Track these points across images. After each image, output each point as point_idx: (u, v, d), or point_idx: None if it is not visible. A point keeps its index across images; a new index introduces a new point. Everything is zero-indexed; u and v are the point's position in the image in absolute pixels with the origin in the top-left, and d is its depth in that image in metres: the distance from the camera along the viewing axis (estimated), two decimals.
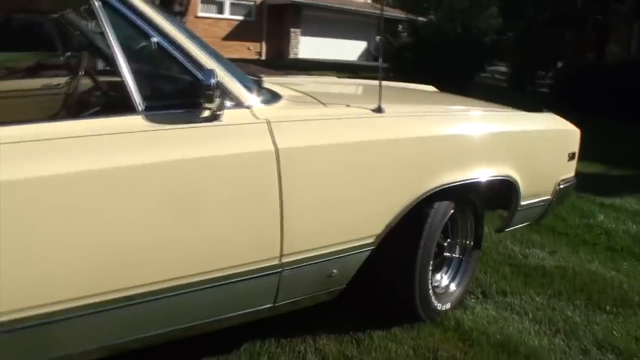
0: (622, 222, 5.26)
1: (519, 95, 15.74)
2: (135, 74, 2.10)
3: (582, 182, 3.78)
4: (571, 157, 3.54)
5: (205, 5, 22.73)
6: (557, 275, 3.81)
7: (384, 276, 2.86)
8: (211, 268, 2.20)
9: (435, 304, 3.02)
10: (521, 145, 3.24)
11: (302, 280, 2.49)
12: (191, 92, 2.15)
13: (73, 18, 3.59)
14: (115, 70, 2.31)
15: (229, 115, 2.21)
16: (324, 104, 2.65)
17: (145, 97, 2.09)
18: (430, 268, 2.91)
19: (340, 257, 2.53)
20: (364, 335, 2.88)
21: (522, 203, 3.23)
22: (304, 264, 2.43)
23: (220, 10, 23.45)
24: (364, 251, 2.61)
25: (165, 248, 2.09)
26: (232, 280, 2.25)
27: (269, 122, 2.29)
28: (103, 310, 1.99)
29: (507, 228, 3.40)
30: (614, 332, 3.14)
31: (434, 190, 2.71)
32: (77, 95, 3.19)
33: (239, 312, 2.42)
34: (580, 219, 5.23)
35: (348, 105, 2.69)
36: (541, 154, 3.37)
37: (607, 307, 3.42)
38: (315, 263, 2.46)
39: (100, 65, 3.92)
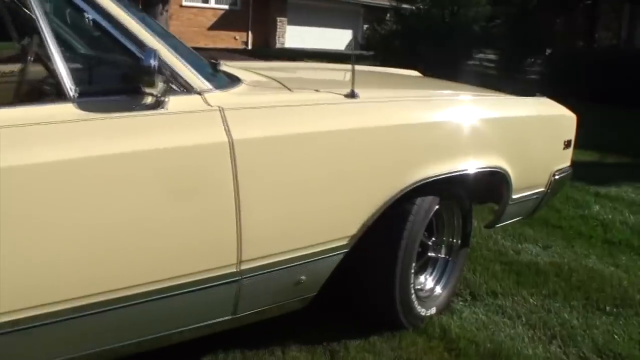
0: (619, 213, 5.01)
1: (508, 82, 15.51)
2: (66, 54, 1.84)
3: (575, 171, 3.56)
4: (567, 145, 3.28)
5: None
6: (552, 273, 3.56)
7: (361, 281, 2.61)
8: (158, 278, 1.92)
9: (419, 310, 2.76)
10: (512, 132, 2.97)
11: (266, 288, 2.21)
12: (131, 76, 1.88)
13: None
14: (44, 52, 2.01)
15: (175, 102, 1.94)
16: (289, 89, 2.37)
17: (78, 82, 1.81)
18: (413, 270, 2.65)
19: (308, 261, 2.25)
20: (339, 345, 2.62)
21: (514, 196, 2.98)
22: (267, 270, 2.14)
23: None
24: (336, 254, 2.33)
25: (105, 256, 1.81)
26: (182, 291, 1.98)
27: (222, 109, 2.00)
28: (39, 326, 1.73)
29: (497, 223, 3.14)
30: (615, 336, 2.89)
31: (416, 184, 2.44)
32: (26, 83, 2.88)
33: (194, 326, 2.15)
34: (574, 210, 4.99)
35: (317, 91, 2.39)
36: (534, 142, 3.10)
37: (607, 308, 3.16)
38: (280, 269, 2.18)
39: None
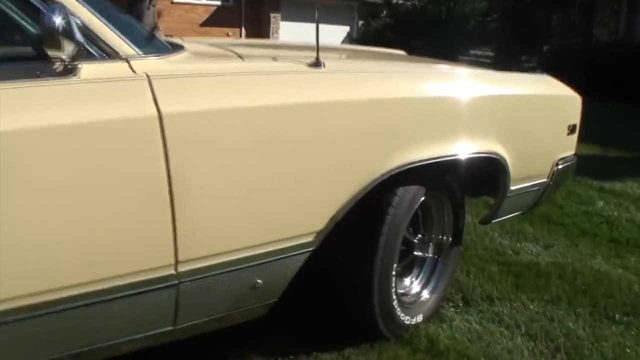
0: (625, 210, 4.67)
1: None
2: None
3: (578, 165, 3.23)
4: (571, 130, 2.92)
5: None
6: (555, 275, 3.21)
7: (333, 284, 2.26)
8: (74, 282, 1.56)
9: (402, 317, 2.40)
10: (510, 113, 2.59)
11: (213, 294, 1.83)
12: (36, 38, 1.56)
13: None
14: None
15: (91, 68, 1.59)
16: (241, 57, 1.98)
17: None
18: (394, 272, 2.28)
19: (264, 262, 1.87)
20: (308, 358, 2.27)
21: (512, 188, 2.62)
22: (212, 273, 1.77)
23: None
24: (299, 253, 1.95)
25: (8, 259, 1.45)
26: (110, 297, 1.62)
27: (150, 77, 1.63)
28: None
29: (494, 219, 2.77)
30: (627, 349, 2.53)
31: (396, 171, 2.08)
32: None
33: (127, 339, 1.77)
34: (577, 205, 4.65)
35: (274, 59, 2.01)
36: (535, 125, 2.73)
37: (617, 316, 2.80)
38: (229, 272, 1.81)
39: None
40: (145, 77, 1.62)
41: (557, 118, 2.88)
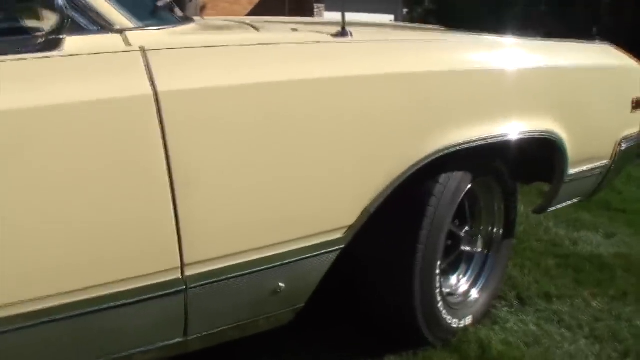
0: None
1: None
2: None
3: None
4: (636, 105, 2.66)
5: None
6: (619, 268, 3.00)
7: (369, 286, 2.04)
8: (69, 288, 1.38)
9: (449, 320, 2.19)
10: (567, 86, 2.34)
11: (228, 301, 1.63)
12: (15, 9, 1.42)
13: None
14: None
15: (77, 41, 1.39)
16: (256, 28, 1.77)
17: None
18: (439, 270, 2.07)
19: (287, 263, 1.65)
20: None
21: (570, 172, 2.38)
22: (225, 277, 1.56)
23: None
24: (327, 252, 1.73)
25: None
26: (112, 305, 1.44)
27: (145, 50, 1.42)
28: None
29: (549, 207, 2.53)
30: None
31: (438, 155, 1.84)
32: None
33: (130, 352, 1.57)
34: (638, 190, 4.47)
35: (294, 30, 1.79)
36: (595, 100, 2.48)
37: None
38: (244, 275, 1.59)
39: None
40: (139, 50, 1.41)
41: (620, 92, 2.64)
